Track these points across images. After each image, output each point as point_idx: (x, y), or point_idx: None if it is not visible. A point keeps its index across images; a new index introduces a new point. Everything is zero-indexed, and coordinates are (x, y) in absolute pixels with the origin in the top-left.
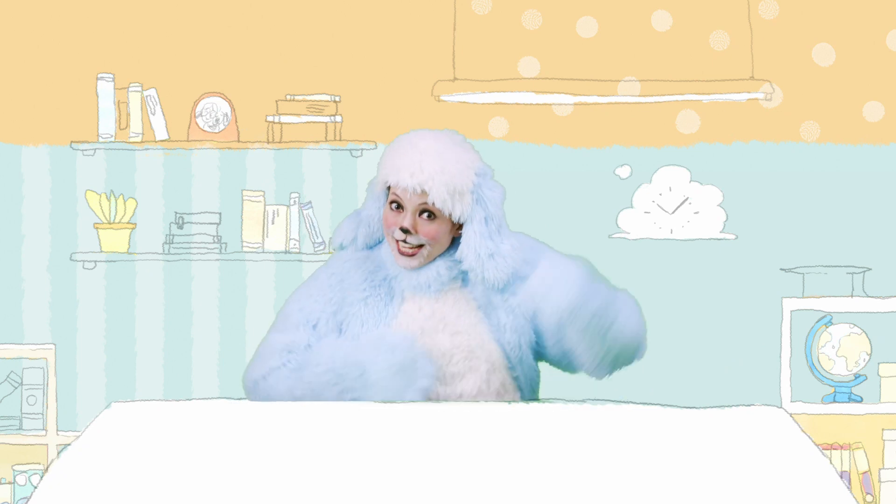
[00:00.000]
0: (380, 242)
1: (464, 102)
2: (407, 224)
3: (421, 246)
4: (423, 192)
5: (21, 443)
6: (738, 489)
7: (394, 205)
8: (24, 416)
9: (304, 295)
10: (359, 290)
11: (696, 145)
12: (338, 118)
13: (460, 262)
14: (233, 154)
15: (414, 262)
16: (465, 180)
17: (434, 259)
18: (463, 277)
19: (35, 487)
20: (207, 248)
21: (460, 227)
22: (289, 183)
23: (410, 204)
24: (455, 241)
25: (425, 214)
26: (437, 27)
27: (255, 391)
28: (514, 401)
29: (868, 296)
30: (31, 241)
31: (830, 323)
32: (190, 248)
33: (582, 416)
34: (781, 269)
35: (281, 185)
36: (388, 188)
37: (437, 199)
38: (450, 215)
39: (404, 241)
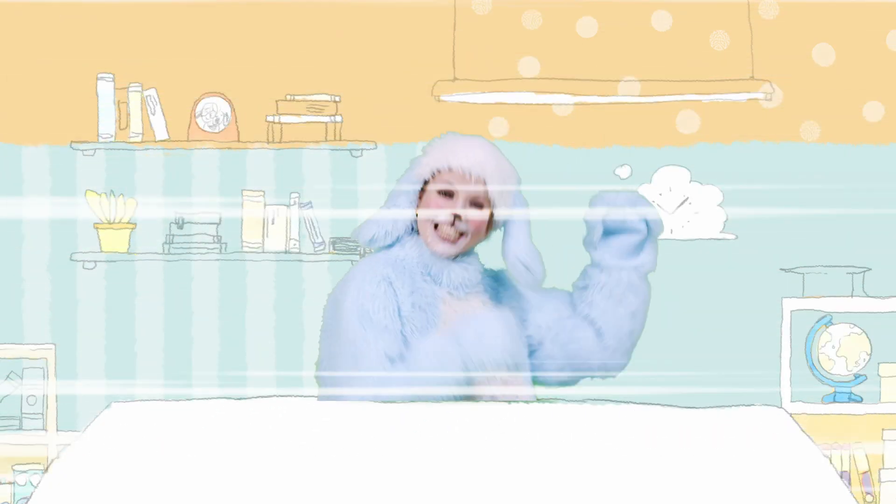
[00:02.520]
0: (398, 241)
1: (464, 102)
2: (459, 209)
3: (462, 235)
4: (480, 180)
5: (21, 443)
6: (738, 489)
7: (443, 193)
8: (24, 416)
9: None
10: (406, 293)
11: (696, 145)
12: (338, 118)
13: (483, 266)
14: (233, 154)
15: (452, 249)
16: (513, 179)
17: (462, 257)
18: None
19: (35, 487)
20: (207, 248)
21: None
22: (289, 183)
23: (464, 193)
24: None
25: (474, 205)
26: (437, 27)
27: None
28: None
29: (868, 296)
30: (31, 241)
31: (830, 323)
32: (190, 248)
33: (582, 416)
34: (781, 269)
35: (281, 185)
36: (430, 179)
37: (494, 185)
38: (492, 211)
39: (451, 225)
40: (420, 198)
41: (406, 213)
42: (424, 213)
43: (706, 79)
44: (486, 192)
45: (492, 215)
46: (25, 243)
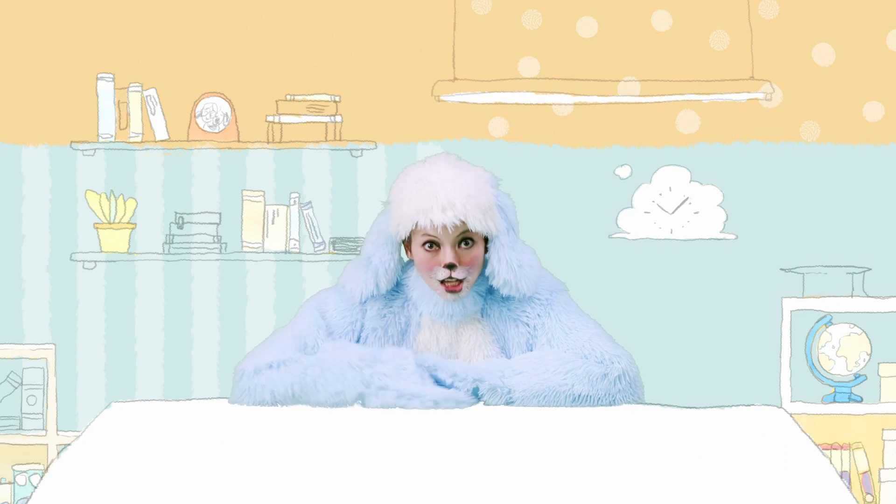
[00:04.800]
0: (396, 287)
1: (464, 102)
2: (451, 259)
3: (462, 281)
4: (461, 223)
5: (21, 443)
6: (739, 489)
7: (427, 245)
8: (24, 416)
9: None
10: (377, 317)
11: (696, 145)
12: (338, 118)
13: (485, 286)
14: (233, 154)
15: (462, 293)
16: (488, 195)
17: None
18: (482, 310)
19: (35, 487)
20: (207, 248)
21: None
22: (289, 183)
23: (448, 238)
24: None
25: (463, 243)
26: (437, 27)
27: (254, 376)
28: None
29: (868, 296)
30: (31, 241)
31: (830, 323)
32: (190, 248)
33: (582, 416)
34: (781, 269)
35: (281, 185)
36: (411, 231)
37: (476, 224)
38: (485, 235)
39: (450, 278)
40: (405, 243)
41: (391, 269)
42: (422, 273)
43: (706, 79)
44: (472, 232)
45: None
46: (25, 243)
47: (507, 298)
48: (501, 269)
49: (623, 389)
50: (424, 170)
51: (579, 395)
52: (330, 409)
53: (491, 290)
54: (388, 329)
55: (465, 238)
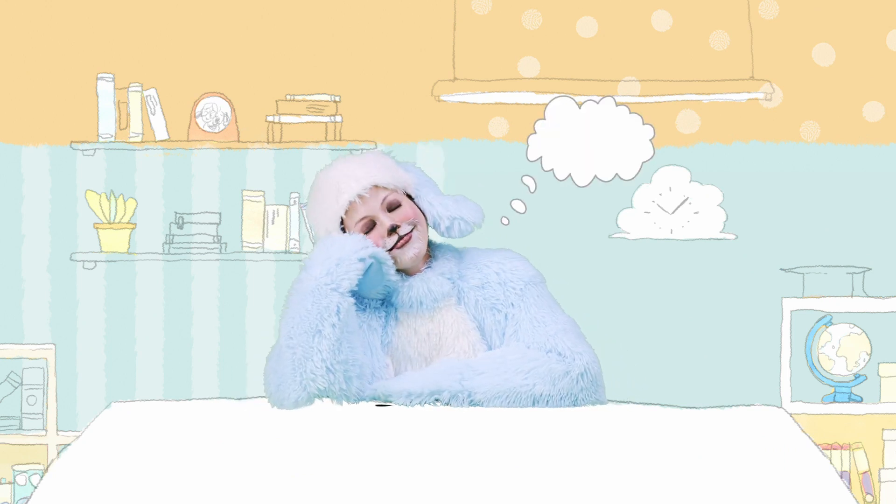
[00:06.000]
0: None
1: (464, 102)
2: (389, 222)
3: (411, 232)
4: (376, 186)
5: (21, 443)
6: (739, 489)
7: (366, 229)
8: (24, 416)
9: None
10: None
11: (696, 145)
12: (338, 118)
13: (453, 265)
14: (233, 154)
15: (416, 244)
16: (386, 159)
17: (423, 270)
18: (458, 295)
19: (35, 487)
20: (207, 248)
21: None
22: (289, 183)
23: (375, 207)
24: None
25: (394, 209)
26: (437, 27)
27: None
28: None
29: (868, 296)
30: (31, 241)
31: (830, 323)
32: (190, 248)
33: (582, 415)
34: (781, 269)
35: (281, 185)
36: (342, 226)
37: (387, 178)
38: (405, 192)
39: (399, 238)
40: None
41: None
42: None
43: (706, 79)
44: (390, 191)
45: (412, 199)
46: (25, 243)
47: (483, 286)
48: (441, 210)
49: (585, 388)
50: (318, 183)
51: (541, 395)
52: (330, 408)
53: (462, 275)
54: (361, 327)
55: (391, 205)
